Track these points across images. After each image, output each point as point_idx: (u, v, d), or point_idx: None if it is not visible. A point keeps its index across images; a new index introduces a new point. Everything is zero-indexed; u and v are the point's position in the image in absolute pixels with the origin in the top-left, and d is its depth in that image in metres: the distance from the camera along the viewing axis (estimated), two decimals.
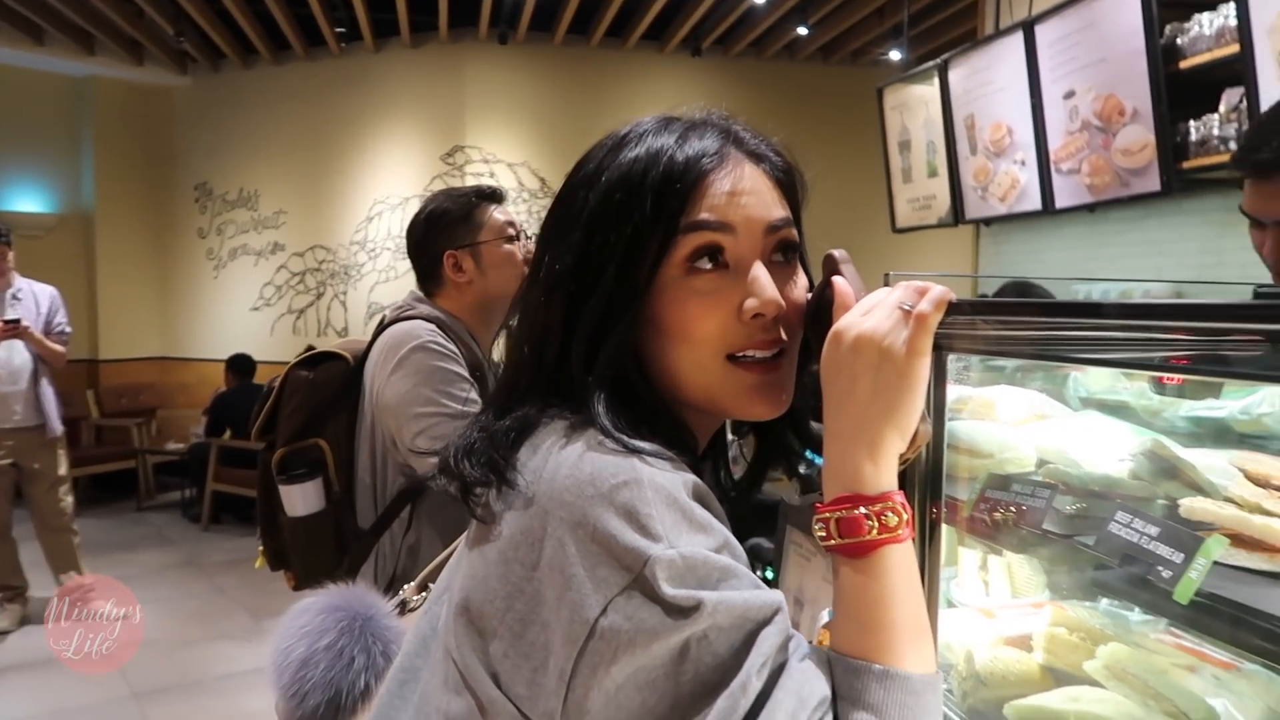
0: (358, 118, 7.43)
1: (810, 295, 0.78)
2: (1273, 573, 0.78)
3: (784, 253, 0.76)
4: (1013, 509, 0.96)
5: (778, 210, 0.75)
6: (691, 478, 0.66)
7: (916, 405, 0.70)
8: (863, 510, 0.67)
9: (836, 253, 0.78)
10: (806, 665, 0.63)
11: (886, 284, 0.78)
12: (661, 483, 0.63)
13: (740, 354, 0.73)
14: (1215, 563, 0.77)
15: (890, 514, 0.67)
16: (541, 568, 0.63)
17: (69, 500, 4.64)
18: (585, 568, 0.61)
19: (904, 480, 0.72)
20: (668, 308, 0.72)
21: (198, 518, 6.68)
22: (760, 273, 0.72)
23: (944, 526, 0.92)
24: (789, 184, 0.79)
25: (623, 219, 0.71)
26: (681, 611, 0.59)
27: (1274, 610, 0.72)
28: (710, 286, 0.72)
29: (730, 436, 0.90)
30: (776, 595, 0.64)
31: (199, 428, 6.97)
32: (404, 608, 0.90)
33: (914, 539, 0.69)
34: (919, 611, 0.67)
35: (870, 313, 0.71)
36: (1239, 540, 0.79)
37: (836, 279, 0.76)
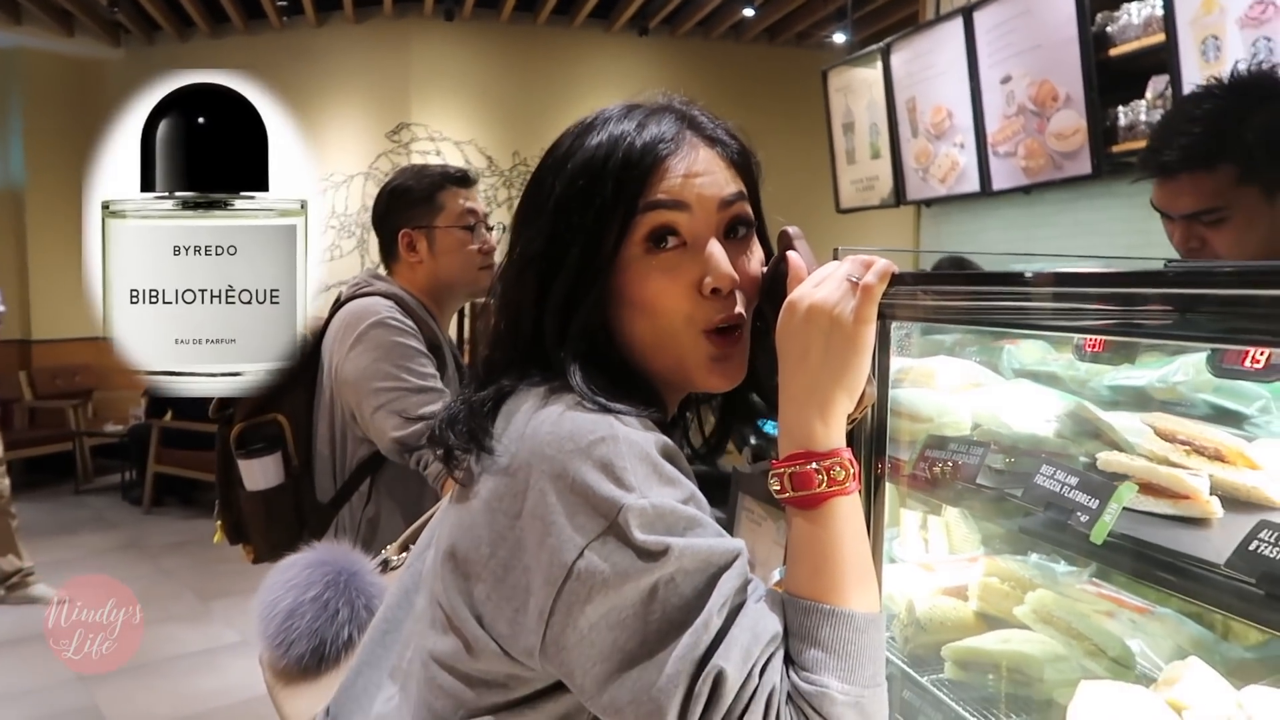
0: (300, 94, 7.28)
1: (765, 269, 0.84)
2: (1178, 516, 0.87)
3: (738, 228, 0.82)
4: (949, 464, 1.03)
5: (730, 187, 0.81)
6: (662, 437, 0.73)
7: (863, 368, 0.77)
8: (814, 465, 0.73)
9: (790, 229, 0.84)
10: (761, 605, 0.70)
11: (835, 258, 0.84)
12: (635, 439, 0.70)
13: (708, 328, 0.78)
14: (1130, 510, 0.86)
15: (838, 469, 0.74)
16: (524, 516, 0.69)
17: (5, 483, 4.54)
18: (565, 515, 0.67)
19: (851, 439, 0.79)
20: (633, 284, 0.77)
21: (139, 500, 6.56)
22: (715, 249, 0.78)
23: (887, 486, 0.99)
24: (744, 165, 0.85)
25: (586, 203, 0.77)
26: (651, 555, 0.65)
27: (1178, 548, 0.80)
28: (670, 263, 0.78)
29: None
30: (737, 543, 0.70)
31: (139, 409, 6.83)
32: (386, 566, 0.95)
33: (860, 492, 0.76)
34: (864, 557, 0.74)
35: (821, 284, 0.78)
36: (1149, 488, 0.88)
37: (790, 253, 0.82)
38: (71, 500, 6.82)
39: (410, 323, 1.85)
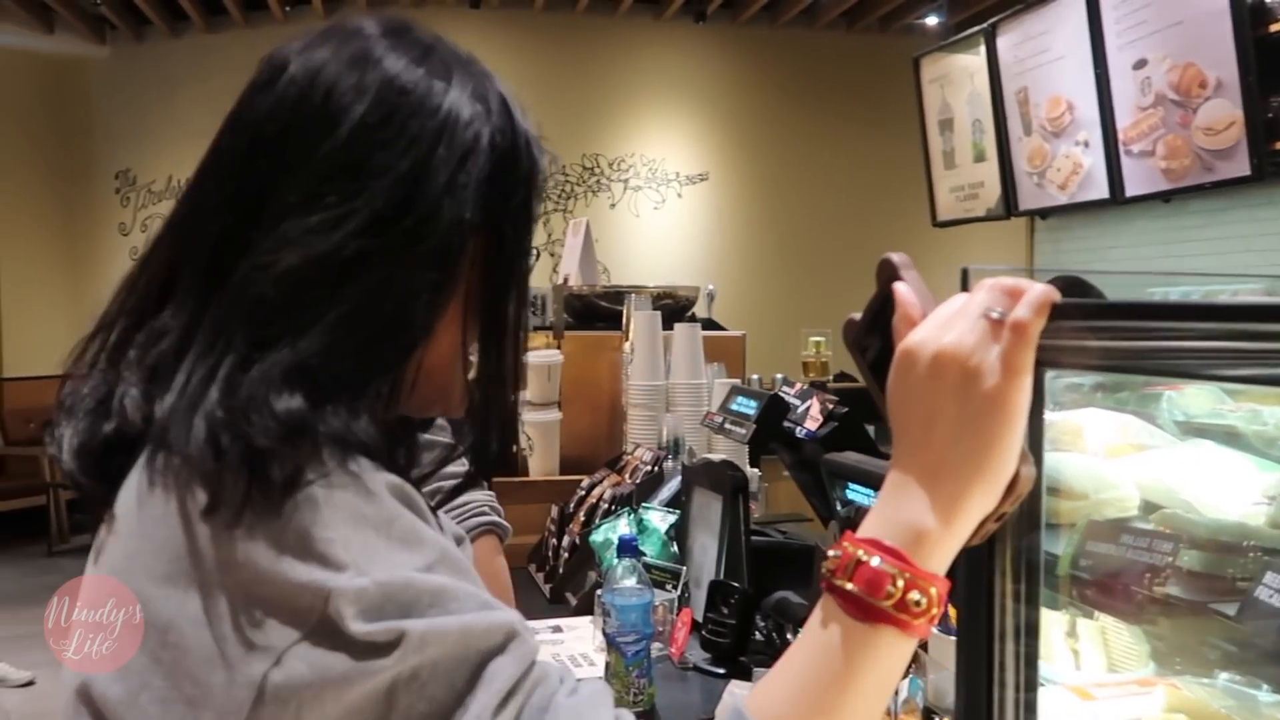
0: None
1: (862, 312, 0.71)
2: None
3: None
4: (1127, 567, 0.88)
5: None
6: (393, 477, 0.62)
7: (1014, 443, 0.63)
8: (894, 569, 0.60)
9: (894, 256, 0.71)
10: (578, 702, 0.59)
11: (964, 285, 0.71)
12: (346, 493, 0.59)
13: None
14: None
15: (918, 592, 0.60)
16: (182, 625, 0.57)
17: None
18: (244, 618, 0.56)
19: (993, 542, 0.65)
20: None
21: None
22: None
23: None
24: None
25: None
26: (377, 650, 0.55)
27: None
28: None
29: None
30: (508, 615, 0.60)
31: None
32: None
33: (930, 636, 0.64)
34: (878, 712, 0.63)
35: (949, 323, 0.64)
36: None
37: (898, 285, 0.69)
38: (42, 563, 6.86)
39: None
